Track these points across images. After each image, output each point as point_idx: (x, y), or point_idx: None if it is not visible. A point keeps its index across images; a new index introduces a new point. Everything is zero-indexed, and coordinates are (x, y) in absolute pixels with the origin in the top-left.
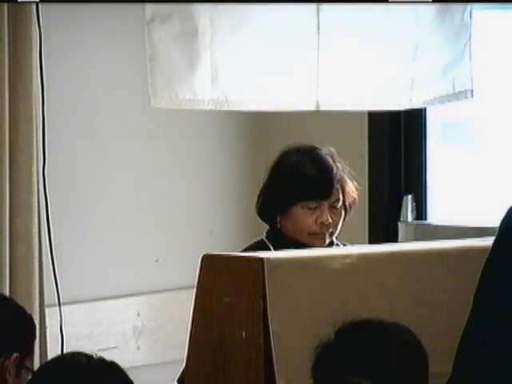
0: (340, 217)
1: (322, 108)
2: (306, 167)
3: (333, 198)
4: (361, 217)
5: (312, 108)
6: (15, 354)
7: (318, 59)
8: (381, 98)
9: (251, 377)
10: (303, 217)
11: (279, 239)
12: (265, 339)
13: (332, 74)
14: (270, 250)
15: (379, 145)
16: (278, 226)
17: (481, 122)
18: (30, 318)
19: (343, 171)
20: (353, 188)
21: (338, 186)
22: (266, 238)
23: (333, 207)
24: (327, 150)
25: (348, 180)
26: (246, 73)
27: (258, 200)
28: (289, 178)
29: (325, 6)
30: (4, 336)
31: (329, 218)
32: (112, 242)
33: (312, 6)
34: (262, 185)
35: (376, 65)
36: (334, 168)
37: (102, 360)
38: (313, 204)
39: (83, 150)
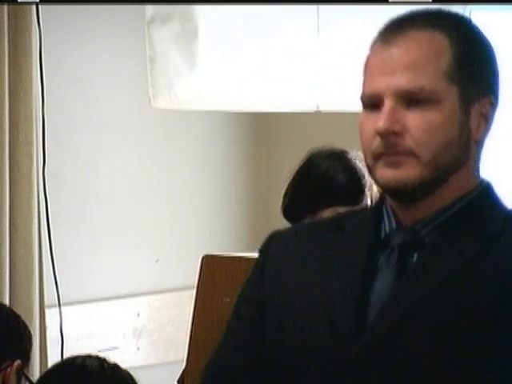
0: None
1: (322, 109)
2: (339, 175)
3: (363, 204)
4: None
5: (312, 109)
6: (18, 361)
7: (318, 59)
8: None
9: None
10: None
11: None
12: None
13: (332, 75)
14: None
15: None
16: None
17: None
18: (27, 326)
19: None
20: (377, 192)
21: (368, 193)
22: None
23: None
24: (355, 155)
25: (374, 185)
26: (246, 73)
27: (284, 200)
28: (320, 184)
29: (325, 6)
30: (7, 342)
31: None
32: (112, 242)
33: (312, 6)
34: (287, 185)
35: None
36: (366, 175)
37: (106, 362)
38: (343, 209)
39: (83, 150)
